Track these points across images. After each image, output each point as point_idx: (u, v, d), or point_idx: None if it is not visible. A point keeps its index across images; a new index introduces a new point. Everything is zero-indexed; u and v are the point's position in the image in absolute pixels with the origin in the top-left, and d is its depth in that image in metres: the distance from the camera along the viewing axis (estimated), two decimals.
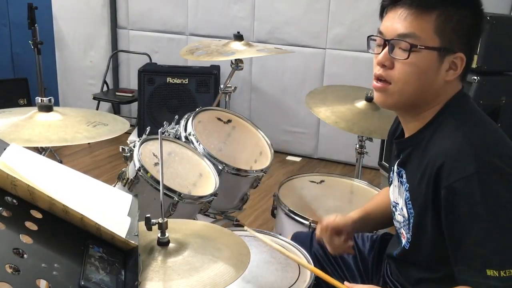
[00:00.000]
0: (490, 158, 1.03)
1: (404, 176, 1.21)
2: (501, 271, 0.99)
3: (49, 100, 1.65)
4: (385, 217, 1.43)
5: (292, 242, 1.54)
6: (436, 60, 1.10)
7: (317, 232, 1.46)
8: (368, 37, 1.19)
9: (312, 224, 1.72)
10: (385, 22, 1.14)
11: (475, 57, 2.52)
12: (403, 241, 1.26)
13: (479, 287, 1.02)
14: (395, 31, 1.10)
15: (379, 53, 1.14)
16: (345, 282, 1.22)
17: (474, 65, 2.54)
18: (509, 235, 1.01)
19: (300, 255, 1.47)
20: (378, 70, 1.15)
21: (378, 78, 1.15)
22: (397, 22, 1.10)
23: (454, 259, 1.07)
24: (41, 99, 1.64)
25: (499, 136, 1.11)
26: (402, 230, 1.26)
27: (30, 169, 1.06)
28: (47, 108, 1.64)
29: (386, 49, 1.12)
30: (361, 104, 2.12)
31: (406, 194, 1.19)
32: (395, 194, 1.28)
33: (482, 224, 1.01)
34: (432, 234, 1.13)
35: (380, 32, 1.15)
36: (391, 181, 1.33)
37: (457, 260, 1.06)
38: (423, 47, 1.08)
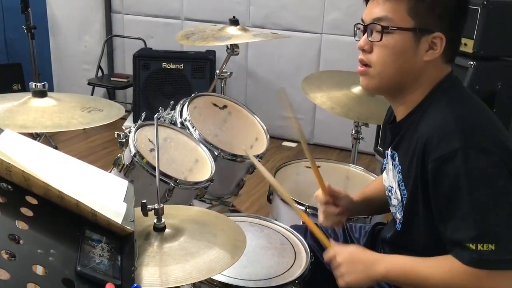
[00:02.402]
0: (475, 136, 1.06)
1: (397, 158, 1.23)
2: (479, 245, 1.02)
3: (43, 85, 1.63)
4: (382, 203, 1.44)
5: (289, 228, 1.55)
6: (412, 40, 1.12)
7: (318, 192, 1.44)
8: (354, 25, 1.23)
9: (308, 210, 1.73)
10: (366, 9, 1.19)
11: (472, 42, 2.52)
12: (397, 223, 1.28)
13: (459, 258, 1.05)
14: (372, 15, 1.15)
15: None
16: (331, 240, 1.24)
17: (470, 50, 2.53)
18: (489, 210, 1.03)
19: (299, 244, 1.48)
20: (360, 55, 1.19)
21: (361, 63, 1.20)
22: (374, 7, 1.15)
23: (442, 233, 1.10)
24: (35, 85, 1.63)
25: (487, 117, 1.13)
26: (397, 214, 1.27)
27: (25, 155, 1.06)
28: (41, 94, 1.62)
29: (366, 34, 1.16)
30: (357, 89, 2.12)
31: (399, 176, 1.21)
32: (390, 178, 1.29)
33: (464, 198, 1.04)
34: (423, 214, 1.16)
35: (362, 20, 1.20)
36: (385, 166, 1.34)
37: (443, 233, 1.09)
38: (395, 28, 1.11)
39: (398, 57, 1.14)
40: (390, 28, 1.11)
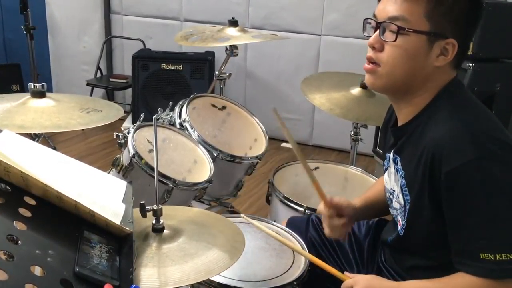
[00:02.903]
0: (488, 145, 1.05)
1: (400, 163, 1.22)
2: (497, 255, 1.01)
3: (42, 86, 1.63)
4: (385, 205, 1.43)
5: (287, 229, 1.54)
6: (426, 44, 1.10)
7: (320, 206, 1.40)
8: (364, 20, 1.20)
9: (307, 211, 1.73)
10: (379, 5, 1.16)
11: (471, 43, 2.52)
12: (399, 227, 1.27)
13: (473, 271, 1.04)
14: (386, 13, 1.12)
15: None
16: (345, 272, 1.22)
17: (469, 52, 2.53)
18: (506, 221, 1.03)
19: (295, 242, 1.47)
20: (369, 52, 1.17)
21: (369, 60, 1.17)
22: (389, 5, 1.12)
23: (453, 243, 1.09)
24: (34, 85, 1.62)
25: (494, 123, 1.12)
26: (399, 218, 1.27)
27: (23, 155, 1.05)
28: (40, 94, 1.62)
29: (378, 31, 1.13)
30: (356, 90, 2.12)
31: (401, 181, 1.20)
32: (392, 182, 1.28)
33: (479, 209, 1.03)
34: (428, 220, 1.15)
35: (374, 15, 1.17)
36: (386, 168, 1.33)
37: (455, 244, 1.09)
38: (411, 30, 1.09)
39: (409, 60, 1.11)
40: (406, 29, 1.09)
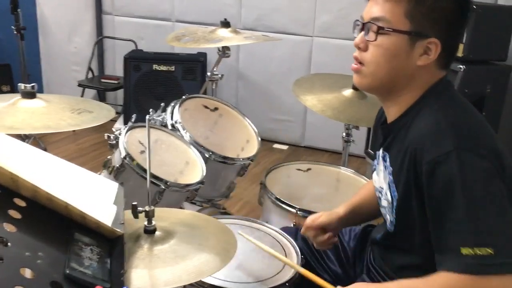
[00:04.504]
0: (468, 138, 1.06)
1: (388, 160, 1.23)
2: (476, 249, 1.00)
3: (32, 86, 1.62)
4: (372, 210, 1.44)
5: (280, 231, 1.55)
6: (407, 43, 1.12)
7: (302, 229, 1.47)
8: (354, 21, 1.23)
9: (299, 212, 1.73)
10: (367, 6, 1.18)
11: (461, 46, 2.54)
12: (387, 224, 1.28)
13: (454, 266, 1.03)
14: (370, 14, 1.15)
15: None
16: (338, 287, 1.22)
17: (460, 54, 2.55)
18: (484, 214, 1.03)
19: (290, 246, 1.48)
20: (355, 52, 1.20)
21: (356, 60, 1.20)
22: (373, 6, 1.15)
23: (434, 239, 1.09)
24: (24, 86, 1.61)
25: (479, 121, 1.14)
26: (387, 216, 1.27)
27: (13, 156, 1.05)
28: (31, 95, 1.61)
29: (363, 31, 1.16)
30: (348, 92, 2.12)
31: (389, 178, 1.22)
32: (380, 179, 1.29)
33: (459, 201, 1.03)
34: (415, 216, 1.15)
35: (361, 17, 1.19)
36: (375, 167, 1.34)
37: (436, 240, 1.09)
38: (391, 30, 1.11)
39: (392, 59, 1.14)
40: (386, 29, 1.11)
